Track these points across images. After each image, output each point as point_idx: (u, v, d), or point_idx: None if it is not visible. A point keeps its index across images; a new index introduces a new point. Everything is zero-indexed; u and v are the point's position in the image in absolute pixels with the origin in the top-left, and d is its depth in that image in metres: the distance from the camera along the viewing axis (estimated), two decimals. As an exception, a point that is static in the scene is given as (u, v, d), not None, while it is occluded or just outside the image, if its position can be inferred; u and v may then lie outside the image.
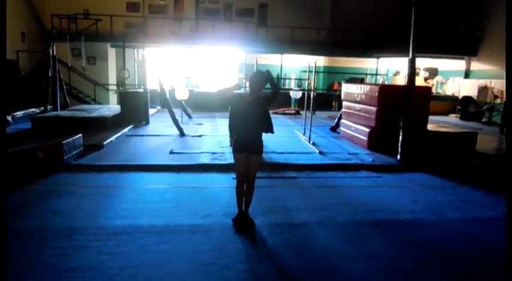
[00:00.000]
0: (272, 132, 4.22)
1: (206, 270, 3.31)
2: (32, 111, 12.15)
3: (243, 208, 4.35)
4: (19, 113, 11.55)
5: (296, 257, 3.61)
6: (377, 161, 7.52)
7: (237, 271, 3.30)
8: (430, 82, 18.52)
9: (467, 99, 15.65)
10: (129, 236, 3.90)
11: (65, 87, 13.63)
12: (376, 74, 18.39)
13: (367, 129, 8.61)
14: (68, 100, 13.78)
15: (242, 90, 4.10)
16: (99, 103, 15.97)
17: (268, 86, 4.11)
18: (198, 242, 3.84)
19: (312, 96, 9.18)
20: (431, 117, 12.49)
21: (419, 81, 17.50)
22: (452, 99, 17.31)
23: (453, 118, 15.87)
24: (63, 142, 6.36)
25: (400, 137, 7.50)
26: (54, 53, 11.41)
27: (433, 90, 18.35)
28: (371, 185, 6.21)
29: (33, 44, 15.65)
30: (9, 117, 10.65)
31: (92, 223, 4.17)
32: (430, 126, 8.48)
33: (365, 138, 8.65)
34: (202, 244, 3.80)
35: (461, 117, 15.46)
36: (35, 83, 13.62)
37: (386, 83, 18.63)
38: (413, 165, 7.20)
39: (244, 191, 4.28)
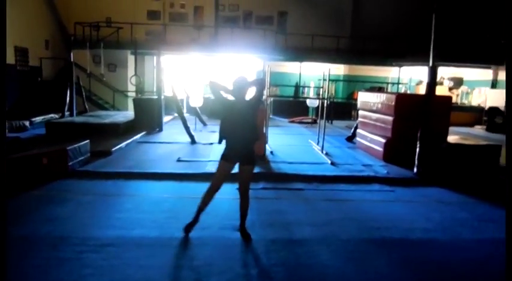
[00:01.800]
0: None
1: (190, 289, 3.09)
2: (51, 117, 12.36)
3: (240, 222, 4.13)
4: (38, 119, 11.76)
5: (290, 278, 3.35)
6: (392, 173, 7.14)
7: (222, 292, 3.08)
8: (455, 92, 17.83)
9: (494, 110, 14.91)
10: (116, 248, 3.73)
11: (84, 93, 13.88)
12: (398, 83, 17.87)
13: (383, 140, 8.24)
14: (87, 106, 13.99)
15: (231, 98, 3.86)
16: (118, 109, 16.15)
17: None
18: (188, 258, 3.64)
19: (325, 104, 8.90)
20: (455, 129, 12.00)
21: (443, 91, 16.88)
22: (478, 110, 16.57)
23: (478, 130, 15.15)
24: (68, 148, 6.33)
25: (417, 149, 7.10)
26: (72, 60, 11.58)
27: (458, 100, 17.67)
28: (382, 199, 5.85)
29: (56, 51, 16.08)
30: (26, 123, 10.85)
31: (82, 233, 4.04)
32: (451, 138, 8.04)
33: (381, 149, 8.27)
34: (191, 260, 3.59)
35: (487, 129, 14.73)
36: (55, 89, 13.90)
37: (408, 92, 18.07)
38: (431, 179, 6.79)
39: (241, 205, 4.07)
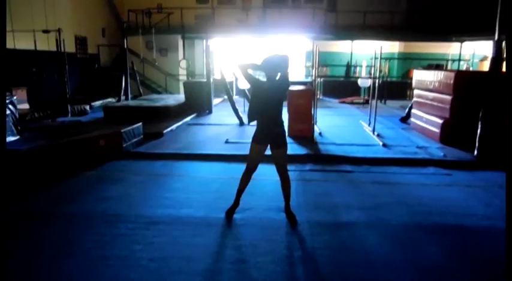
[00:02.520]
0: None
1: (234, 268, 3.14)
2: (109, 101, 13.03)
3: (284, 203, 4.11)
4: (97, 103, 12.47)
5: (334, 262, 3.28)
6: (449, 156, 6.71)
7: (266, 273, 3.08)
8: (526, 68, 16.24)
9: None
10: (166, 226, 3.88)
11: (138, 78, 14.44)
12: (459, 60, 16.61)
13: (440, 121, 7.74)
14: (141, 90, 14.56)
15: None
16: (170, 93, 16.63)
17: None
18: (233, 237, 3.70)
19: (377, 84, 8.51)
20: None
21: (511, 66, 15.45)
22: (553, 86, 14.98)
23: (553, 109, 13.73)
24: (123, 130, 6.63)
25: (479, 130, 6.60)
26: (126, 46, 12.03)
27: (529, 76, 16.09)
28: (438, 183, 5.53)
29: (112, 38, 16.78)
30: (87, 107, 11.53)
31: (134, 211, 4.24)
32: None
33: (437, 130, 7.79)
34: (236, 240, 3.65)
35: None
36: (112, 74, 14.58)
37: (471, 69, 16.77)
38: (493, 162, 6.28)
39: (283, 187, 4.05)
